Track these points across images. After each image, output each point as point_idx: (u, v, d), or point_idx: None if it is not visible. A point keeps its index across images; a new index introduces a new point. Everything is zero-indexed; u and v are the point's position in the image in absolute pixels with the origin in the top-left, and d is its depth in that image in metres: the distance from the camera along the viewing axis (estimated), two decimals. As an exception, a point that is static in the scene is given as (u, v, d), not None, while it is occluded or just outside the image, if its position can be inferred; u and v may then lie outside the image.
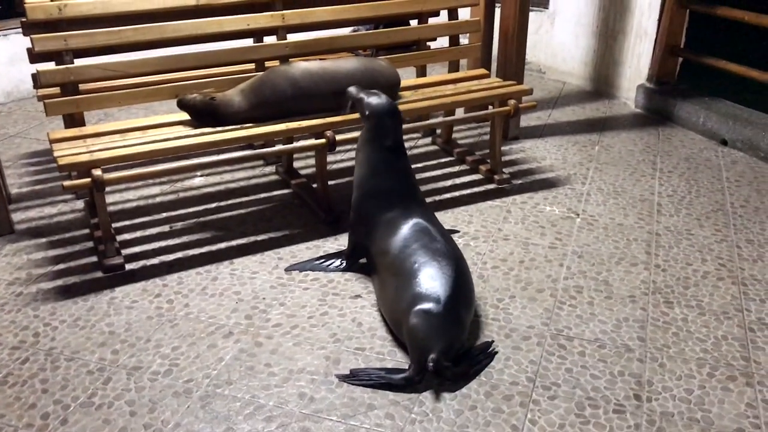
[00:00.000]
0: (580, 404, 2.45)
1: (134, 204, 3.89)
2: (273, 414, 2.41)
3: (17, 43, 5.31)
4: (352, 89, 3.17)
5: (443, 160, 4.45)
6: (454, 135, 4.69)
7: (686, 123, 4.97)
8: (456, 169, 4.31)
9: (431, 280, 2.66)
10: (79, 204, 3.88)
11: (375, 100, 3.05)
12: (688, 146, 4.69)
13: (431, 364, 2.45)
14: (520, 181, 4.13)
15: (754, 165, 4.40)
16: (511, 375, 2.59)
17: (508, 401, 2.46)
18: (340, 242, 3.48)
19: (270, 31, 3.91)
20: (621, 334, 2.81)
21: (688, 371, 2.61)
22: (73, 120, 3.67)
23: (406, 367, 2.58)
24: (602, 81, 5.67)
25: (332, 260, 3.28)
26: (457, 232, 3.54)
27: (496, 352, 2.70)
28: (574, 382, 2.55)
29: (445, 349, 2.50)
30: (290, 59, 3.86)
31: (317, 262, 3.28)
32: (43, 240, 3.52)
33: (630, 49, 5.35)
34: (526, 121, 5.03)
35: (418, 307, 2.58)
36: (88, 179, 3.03)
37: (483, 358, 2.66)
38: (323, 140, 3.46)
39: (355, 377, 2.57)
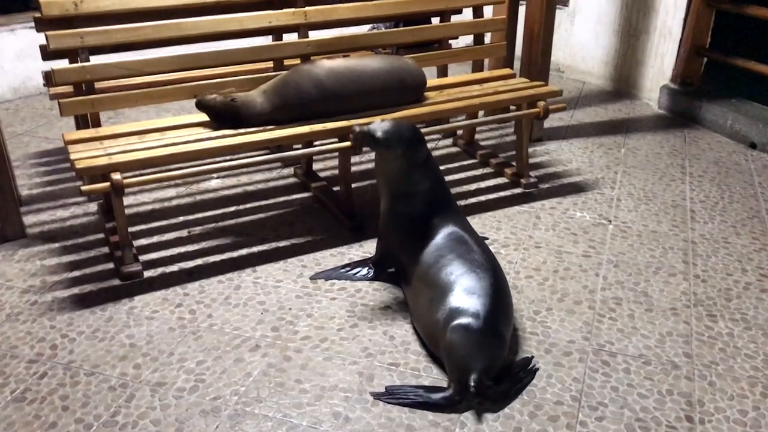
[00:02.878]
0: (630, 426, 2.33)
1: (149, 207, 3.76)
2: (307, 435, 2.29)
3: (24, 38, 5.18)
4: (357, 129, 2.87)
5: (466, 162, 4.32)
6: (476, 136, 4.56)
7: (712, 125, 4.85)
8: (480, 172, 4.18)
9: (469, 293, 2.53)
10: (92, 207, 3.74)
11: (390, 128, 2.79)
12: (716, 149, 4.57)
13: (473, 384, 2.33)
14: (547, 185, 4.01)
15: (786, 170, 4.29)
16: (555, 394, 2.47)
17: (553, 423, 2.34)
18: (365, 249, 3.35)
19: (290, 28, 3.77)
20: (666, 349, 2.69)
21: (739, 390, 2.49)
22: (86, 119, 3.54)
23: (444, 385, 2.46)
24: (623, 81, 5.55)
25: (359, 268, 3.15)
26: (487, 239, 3.42)
27: (537, 369, 2.58)
28: (622, 402, 2.43)
29: (486, 367, 2.38)
30: (311, 57, 3.72)
31: (343, 270, 3.16)
32: (57, 245, 3.39)
33: (653, 48, 5.22)
34: (548, 121, 4.88)
35: (457, 322, 2.46)
36: (107, 183, 2.90)
37: (524, 376, 2.54)
38: (348, 143, 3.33)
39: (391, 395, 2.45)
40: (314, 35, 3.80)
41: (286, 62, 3.80)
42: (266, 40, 3.93)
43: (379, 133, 2.79)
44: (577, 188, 3.98)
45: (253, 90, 3.40)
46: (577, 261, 3.27)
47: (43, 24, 3.29)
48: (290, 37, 3.82)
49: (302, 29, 3.75)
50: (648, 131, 4.85)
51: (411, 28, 4.11)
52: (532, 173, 4.05)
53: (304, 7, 3.73)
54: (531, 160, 4.25)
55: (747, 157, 4.46)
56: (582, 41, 5.80)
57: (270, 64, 3.82)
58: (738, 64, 4.84)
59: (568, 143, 4.62)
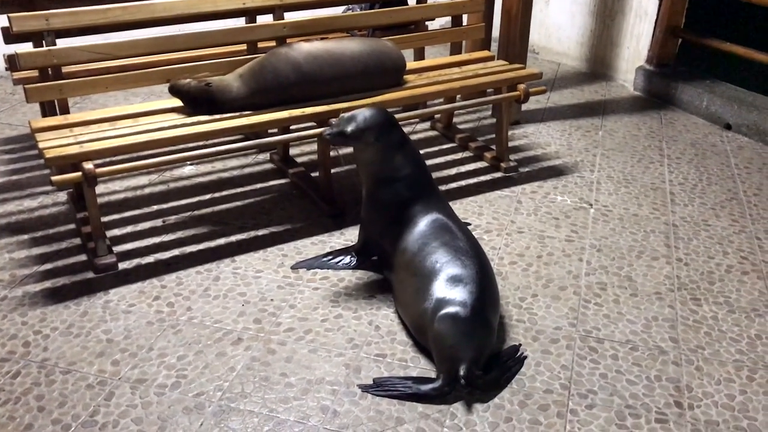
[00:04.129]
0: (620, 413, 2.32)
1: (122, 196, 3.64)
2: (295, 430, 2.23)
3: (-16, 19, 4.96)
4: (327, 136, 2.77)
5: (444, 146, 4.27)
6: (453, 119, 4.50)
7: (688, 107, 4.86)
8: (459, 156, 4.14)
9: (455, 281, 2.49)
10: (62, 196, 3.61)
11: (359, 118, 2.72)
12: (692, 131, 4.58)
13: (463, 374, 2.29)
14: (527, 169, 3.98)
15: (761, 151, 4.31)
16: (544, 382, 2.44)
17: (544, 411, 2.32)
18: (346, 237, 3.29)
19: (265, 10, 3.66)
20: (652, 334, 2.69)
21: (726, 375, 2.50)
22: (52, 105, 3.40)
23: (433, 376, 2.42)
24: (599, 62, 5.53)
25: (341, 257, 3.09)
26: (469, 224, 3.38)
27: (526, 357, 2.55)
28: (611, 389, 2.42)
29: (475, 356, 2.35)
30: (287, 40, 3.63)
31: (325, 259, 3.09)
32: (26, 237, 3.26)
33: (629, 29, 5.20)
34: (525, 104, 4.84)
35: (444, 311, 2.41)
36: (78, 173, 2.79)
37: (513, 364, 2.51)
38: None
39: (379, 387, 2.40)
40: (289, 17, 3.70)
41: (261, 45, 3.69)
42: (240, 23, 3.81)
43: (349, 129, 2.72)
44: (556, 172, 3.96)
45: (228, 74, 3.29)
46: (560, 246, 3.25)
47: (5, 5, 3.16)
48: (265, 19, 3.72)
49: (277, 11, 3.64)
50: (625, 113, 4.84)
51: (388, 9, 4.02)
52: (511, 157, 4.02)
53: (279, -13, 3.62)
54: (510, 144, 4.21)
55: (723, 139, 4.48)
56: (557, 22, 5.76)
57: (243, 47, 3.71)
58: (713, 45, 4.84)
59: (545, 126, 4.59)
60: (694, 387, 2.44)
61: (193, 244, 3.21)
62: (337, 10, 4.58)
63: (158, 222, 3.39)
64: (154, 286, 2.92)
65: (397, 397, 2.36)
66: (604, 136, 4.46)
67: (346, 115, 2.80)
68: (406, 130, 4.40)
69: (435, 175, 3.86)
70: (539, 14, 5.82)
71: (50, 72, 3.16)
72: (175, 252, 3.16)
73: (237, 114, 3.19)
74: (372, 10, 4.10)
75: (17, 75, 3.54)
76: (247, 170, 3.94)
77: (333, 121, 2.88)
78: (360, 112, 2.78)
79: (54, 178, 2.79)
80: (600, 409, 2.33)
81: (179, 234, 3.29)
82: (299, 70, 3.23)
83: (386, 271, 2.92)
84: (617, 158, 4.15)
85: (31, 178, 3.82)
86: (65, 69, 3.29)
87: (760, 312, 2.83)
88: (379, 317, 2.75)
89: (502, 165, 3.91)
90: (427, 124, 4.54)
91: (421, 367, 2.50)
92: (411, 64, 3.86)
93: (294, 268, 3.05)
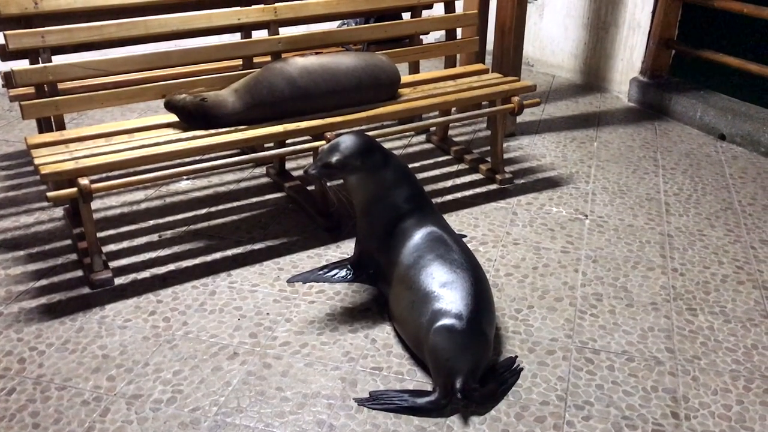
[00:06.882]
0: (616, 425, 2.31)
1: (118, 211, 3.65)
2: (291, 445, 2.23)
3: (-19, 37, 4.98)
4: (312, 171, 2.72)
5: (440, 159, 4.28)
6: (449, 132, 4.52)
7: (682, 117, 4.88)
8: (455, 168, 4.15)
9: (451, 293, 2.49)
10: (58, 212, 3.61)
11: (339, 149, 2.69)
12: (687, 141, 4.60)
13: (459, 387, 2.29)
14: (522, 181, 3.99)
15: (755, 161, 4.33)
16: (541, 394, 2.44)
17: (540, 423, 2.32)
18: (342, 250, 3.29)
19: (260, 25, 3.68)
20: (648, 345, 2.69)
21: (723, 385, 2.50)
22: (49, 121, 3.41)
23: (429, 388, 2.42)
24: (593, 74, 5.56)
25: (336, 270, 3.08)
26: (465, 236, 3.38)
27: (522, 369, 2.55)
28: (607, 400, 2.42)
29: (472, 369, 2.35)
30: (282, 55, 3.65)
31: (320, 272, 3.09)
32: (22, 253, 3.26)
33: (622, 41, 5.24)
34: (520, 116, 4.86)
35: (440, 324, 2.42)
36: (74, 189, 2.79)
37: (509, 376, 2.51)
38: (323, 142, 3.26)
39: (375, 401, 2.40)
40: (284, 32, 3.73)
41: (256, 60, 3.71)
42: (235, 38, 3.84)
43: (333, 159, 2.69)
44: (552, 183, 3.97)
45: (223, 89, 3.31)
46: (555, 257, 3.26)
47: (0, 23, 3.16)
48: (260, 34, 3.74)
49: (272, 26, 3.66)
50: (619, 124, 4.86)
51: (382, 24, 4.05)
52: (506, 169, 4.03)
53: (274, 3, 3.65)
54: (505, 156, 4.22)
55: (717, 149, 4.50)
56: (551, 35, 5.79)
57: (238, 62, 3.73)
58: (706, 56, 4.87)
59: (540, 138, 4.61)
60: (691, 397, 2.44)
61: (189, 259, 3.21)
62: (332, 25, 4.61)
63: (154, 237, 3.40)
64: (150, 301, 2.92)
65: (394, 411, 2.36)
66: (599, 148, 4.47)
67: (326, 147, 2.79)
68: (401, 143, 4.46)
69: (431, 187, 3.88)
70: (533, 27, 5.86)
71: (46, 88, 3.18)
72: (171, 267, 3.16)
73: (232, 128, 3.20)
74: (367, 25, 4.12)
75: (13, 92, 3.56)
76: (243, 184, 3.94)
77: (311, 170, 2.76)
78: (338, 141, 2.75)
79: (50, 194, 2.79)
80: (596, 421, 2.33)
81: (175, 249, 3.30)
82: (294, 85, 3.25)
83: (382, 284, 2.92)
84: (612, 169, 4.17)
85: (28, 194, 3.82)
86: (61, 85, 3.31)
87: (756, 321, 2.83)
88: (375, 330, 2.75)
89: (498, 177, 3.93)
90: (422, 137, 4.56)
91: (417, 380, 2.50)
92: (406, 78, 3.87)
93: (290, 281, 3.05)
